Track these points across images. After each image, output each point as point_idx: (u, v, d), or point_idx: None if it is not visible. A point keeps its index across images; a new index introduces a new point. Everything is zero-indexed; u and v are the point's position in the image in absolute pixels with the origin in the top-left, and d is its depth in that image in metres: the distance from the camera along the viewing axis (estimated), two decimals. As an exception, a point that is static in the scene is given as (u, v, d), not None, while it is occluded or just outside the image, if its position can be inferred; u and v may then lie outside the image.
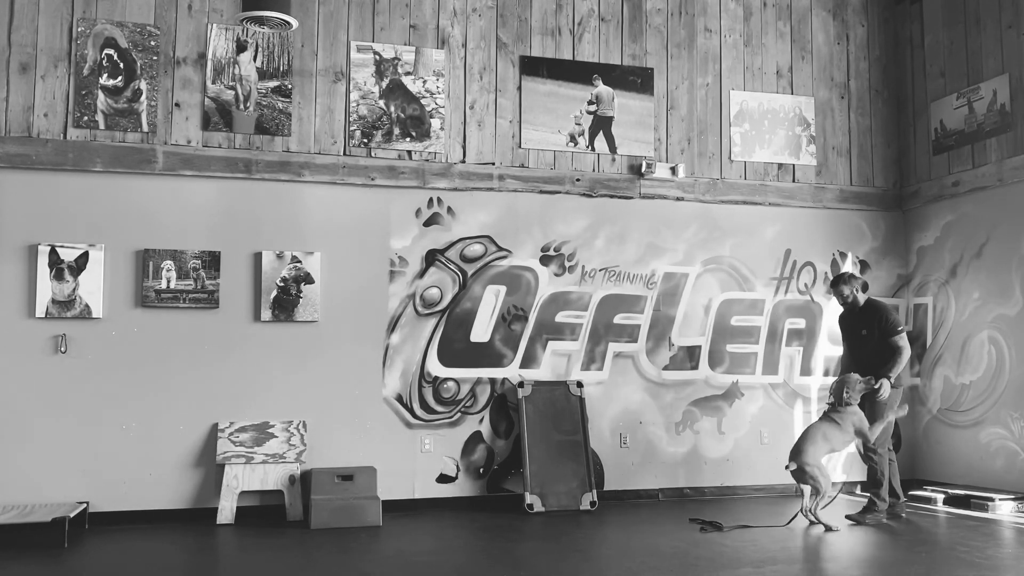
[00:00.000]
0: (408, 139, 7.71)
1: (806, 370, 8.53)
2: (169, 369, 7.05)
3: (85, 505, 6.67)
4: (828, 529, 6.55)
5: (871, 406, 6.86)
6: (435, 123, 7.77)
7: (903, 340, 6.93)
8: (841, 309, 7.35)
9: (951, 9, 8.50)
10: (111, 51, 7.13)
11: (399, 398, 7.53)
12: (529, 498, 7.36)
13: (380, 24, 7.75)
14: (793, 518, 6.80)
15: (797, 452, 6.70)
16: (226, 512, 6.88)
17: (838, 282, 7.17)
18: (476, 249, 7.80)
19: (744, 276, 8.43)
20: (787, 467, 6.69)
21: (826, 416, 6.86)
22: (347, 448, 7.33)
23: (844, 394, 6.73)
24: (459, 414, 7.65)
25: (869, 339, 7.01)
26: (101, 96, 7.10)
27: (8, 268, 6.83)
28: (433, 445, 7.55)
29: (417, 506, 7.43)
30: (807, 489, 6.69)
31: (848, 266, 8.69)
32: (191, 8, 7.34)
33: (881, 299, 7.73)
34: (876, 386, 6.77)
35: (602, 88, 8.22)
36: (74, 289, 6.89)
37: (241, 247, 7.27)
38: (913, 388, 8.79)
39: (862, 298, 7.15)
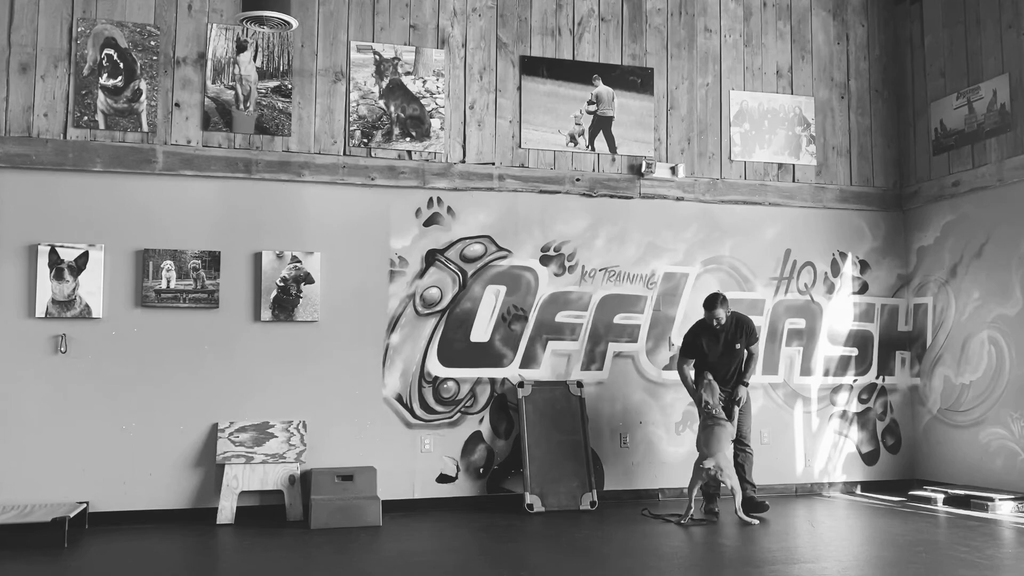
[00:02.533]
0: (408, 139, 7.71)
1: (806, 370, 8.53)
2: (169, 369, 7.05)
3: (85, 505, 6.67)
4: (747, 523, 6.76)
5: (740, 412, 7.24)
6: (435, 123, 7.77)
7: (758, 348, 7.53)
8: (695, 320, 7.60)
9: (951, 9, 8.50)
10: (111, 51, 7.13)
11: (399, 398, 7.53)
12: (529, 498, 7.36)
13: (380, 24, 7.75)
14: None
15: (715, 452, 6.94)
16: (226, 512, 6.88)
17: (717, 304, 7.17)
18: (476, 249, 7.80)
19: (744, 276, 8.43)
20: (707, 467, 6.83)
21: (715, 422, 7.04)
22: (347, 448, 7.32)
23: (709, 402, 7.06)
24: (459, 414, 7.64)
25: (739, 351, 7.28)
26: (101, 96, 7.10)
27: (8, 268, 6.83)
28: (433, 445, 7.55)
29: (417, 506, 7.43)
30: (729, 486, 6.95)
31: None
32: (191, 8, 7.34)
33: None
34: (737, 397, 7.23)
35: (602, 88, 8.22)
36: (74, 289, 6.89)
37: (241, 247, 7.27)
38: (913, 388, 8.80)
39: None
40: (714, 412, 7.04)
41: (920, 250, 8.77)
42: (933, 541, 6.28)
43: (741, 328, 7.30)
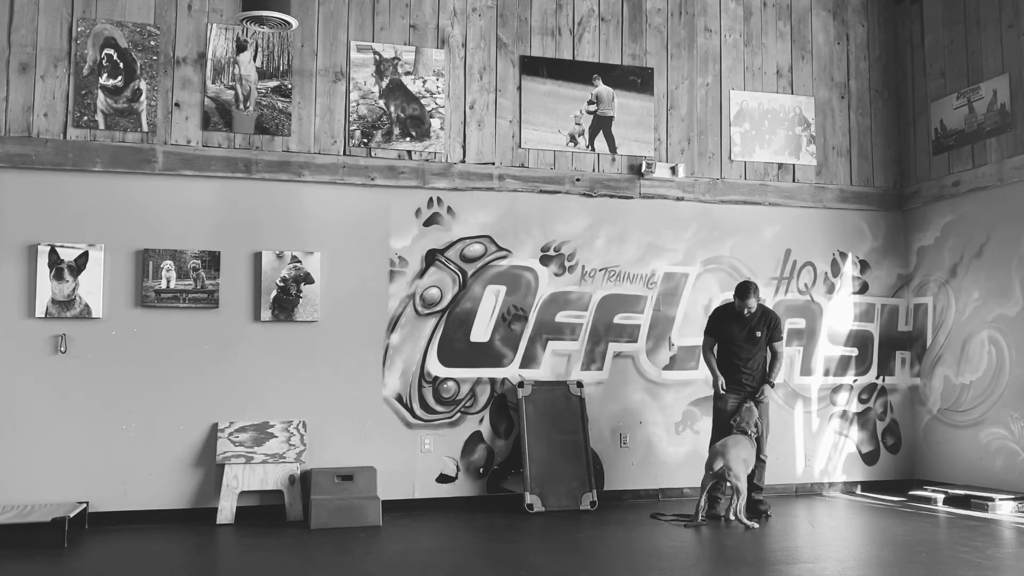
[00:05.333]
0: (408, 139, 7.71)
1: (806, 370, 8.53)
2: (169, 369, 7.05)
3: (85, 505, 6.67)
4: (748, 528, 6.68)
5: (761, 411, 7.16)
6: (435, 123, 7.77)
7: (783, 347, 7.48)
8: (719, 303, 7.87)
9: (951, 9, 8.50)
10: (111, 51, 7.13)
11: (399, 398, 7.53)
12: (529, 498, 7.35)
13: (380, 24, 7.75)
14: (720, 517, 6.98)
15: (723, 453, 6.80)
16: (226, 512, 6.88)
17: (749, 293, 7.14)
18: (476, 249, 7.80)
19: (744, 276, 8.40)
20: (714, 467, 6.76)
21: (739, 431, 7.01)
22: (347, 448, 7.32)
23: (743, 422, 7.01)
24: (459, 414, 7.64)
25: (761, 340, 7.27)
26: (101, 96, 7.10)
27: (8, 268, 6.83)
28: (433, 445, 7.55)
29: (417, 506, 7.43)
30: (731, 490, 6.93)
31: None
32: (191, 8, 7.34)
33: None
34: (760, 395, 7.19)
35: (602, 88, 8.21)
36: (74, 289, 6.89)
37: (241, 247, 7.27)
38: (913, 388, 8.80)
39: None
40: (742, 425, 7.00)
41: (920, 250, 8.77)
42: (933, 541, 6.28)
43: (766, 319, 7.30)
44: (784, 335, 7.57)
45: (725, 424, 7.18)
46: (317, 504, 6.75)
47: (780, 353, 7.33)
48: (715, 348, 7.38)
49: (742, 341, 7.22)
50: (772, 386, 7.30)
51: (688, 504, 7.68)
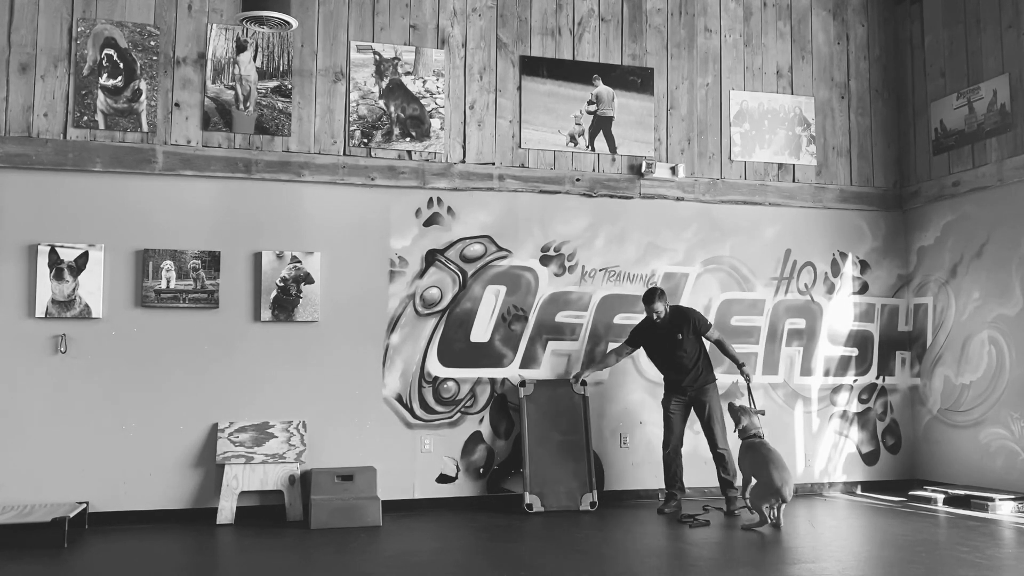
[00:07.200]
0: (408, 139, 7.71)
1: (806, 370, 8.53)
2: (169, 369, 7.05)
3: (85, 505, 6.67)
4: (777, 526, 6.67)
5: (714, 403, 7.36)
6: (435, 123, 7.77)
7: (717, 332, 7.51)
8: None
9: (951, 9, 8.50)
10: (111, 51, 7.13)
11: (399, 398, 7.53)
12: (529, 498, 7.35)
13: (380, 24, 7.75)
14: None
15: (788, 482, 6.64)
16: (226, 512, 6.88)
17: (655, 299, 7.28)
18: (476, 249, 7.80)
19: (744, 276, 8.42)
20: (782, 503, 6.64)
21: (762, 442, 6.92)
22: (347, 448, 7.32)
23: (744, 422, 6.98)
24: (459, 414, 7.64)
25: (685, 340, 7.31)
26: (101, 96, 7.10)
27: (8, 268, 6.83)
28: (433, 445, 7.55)
29: (417, 506, 7.43)
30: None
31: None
32: (191, 8, 7.34)
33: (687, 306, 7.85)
34: (746, 376, 7.28)
35: (602, 88, 8.21)
36: (74, 289, 6.89)
37: (241, 247, 7.27)
38: (913, 388, 8.79)
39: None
40: (750, 432, 6.93)
41: (920, 250, 8.77)
42: (933, 541, 6.28)
43: (682, 318, 7.34)
44: (711, 322, 7.60)
45: (675, 427, 7.40)
46: (317, 504, 6.75)
47: (720, 338, 7.42)
48: (623, 353, 7.60)
49: (668, 347, 7.33)
50: (747, 376, 7.27)
51: (688, 504, 7.68)
